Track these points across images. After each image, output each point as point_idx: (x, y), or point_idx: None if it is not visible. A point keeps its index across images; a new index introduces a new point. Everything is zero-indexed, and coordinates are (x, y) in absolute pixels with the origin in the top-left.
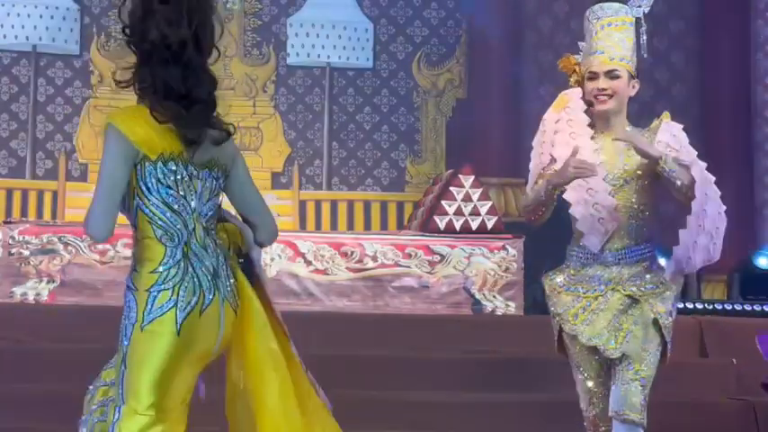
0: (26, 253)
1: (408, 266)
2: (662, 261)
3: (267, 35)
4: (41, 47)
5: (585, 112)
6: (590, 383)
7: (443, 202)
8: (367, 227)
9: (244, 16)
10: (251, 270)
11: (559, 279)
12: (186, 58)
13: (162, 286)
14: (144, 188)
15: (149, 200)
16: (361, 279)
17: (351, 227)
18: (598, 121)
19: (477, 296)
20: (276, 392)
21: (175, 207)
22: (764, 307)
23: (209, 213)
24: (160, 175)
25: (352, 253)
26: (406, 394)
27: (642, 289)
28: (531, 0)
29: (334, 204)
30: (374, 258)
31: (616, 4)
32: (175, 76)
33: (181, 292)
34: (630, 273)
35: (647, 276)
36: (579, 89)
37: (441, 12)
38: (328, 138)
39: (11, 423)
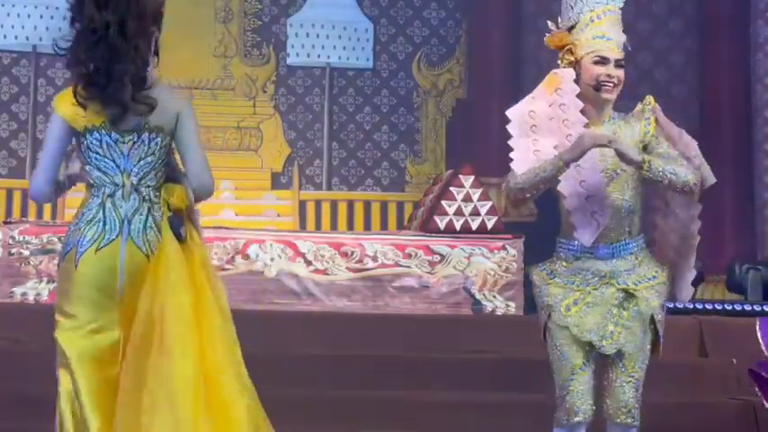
0: (26, 253)
1: (408, 266)
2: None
3: (267, 35)
4: (41, 47)
5: (578, 95)
6: (572, 367)
7: (443, 203)
8: (367, 227)
9: (244, 16)
10: (177, 225)
11: (550, 270)
12: (110, 41)
13: (74, 227)
14: (84, 156)
15: (88, 165)
16: (362, 279)
17: (351, 227)
18: (591, 108)
19: (478, 296)
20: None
21: (104, 168)
22: (764, 307)
23: (143, 171)
24: (90, 144)
25: (353, 253)
26: (405, 394)
27: (636, 283)
28: (531, 0)
29: (334, 204)
30: (374, 258)
31: None
32: (99, 57)
33: (86, 232)
34: (625, 266)
35: (641, 269)
36: (572, 71)
37: (441, 12)
38: (328, 138)
39: (10, 423)
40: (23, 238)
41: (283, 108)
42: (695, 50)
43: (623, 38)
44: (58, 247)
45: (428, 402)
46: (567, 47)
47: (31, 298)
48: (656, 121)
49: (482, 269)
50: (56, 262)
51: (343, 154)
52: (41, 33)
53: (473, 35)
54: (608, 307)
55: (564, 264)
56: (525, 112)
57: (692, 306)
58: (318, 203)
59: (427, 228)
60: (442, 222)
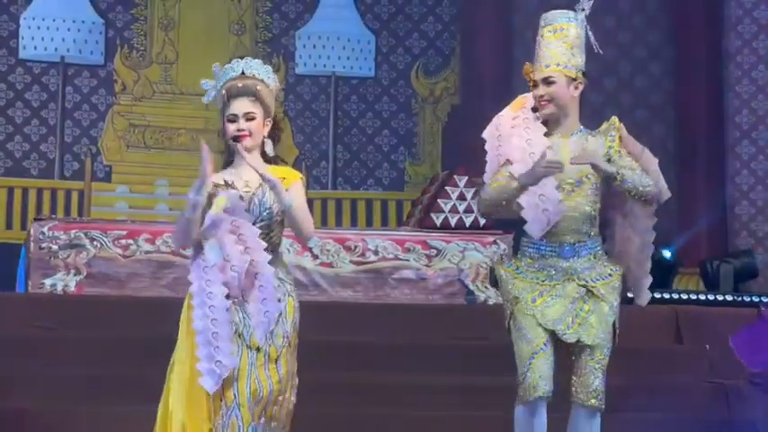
0: (55, 247)
1: (407, 260)
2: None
3: (277, 47)
4: (69, 58)
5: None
6: (534, 347)
7: (440, 201)
8: (369, 223)
9: (255, 29)
10: None
11: (516, 267)
12: None
13: None
14: None
15: None
16: (364, 271)
17: (354, 223)
18: (549, 124)
19: (471, 287)
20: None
21: None
22: (735, 297)
23: None
24: None
25: (356, 247)
26: (404, 378)
27: (595, 280)
28: (520, 15)
29: (338, 203)
30: (375, 252)
31: (557, 12)
32: None
33: None
34: (584, 264)
35: (598, 268)
36: None
37: (437, 25)
38: (333, 141)
39: (42, 404)
40: (52, 233)
41: (292, 114)
42: (671, 60)
43: (559, 51)
44: (85, 242)
45: (425, 385)
46: (530, 75)
47: (59, 289)
48: (620, 138)
49: (475, 262)
50: (83, 256)
51: (347, 156)
52: (69, 45)
53: (467, 47)
54: (570, 300)
55: (529, 260)
56: (494, 128)
57: (668, 296)
58: (324, 201)
59: (424, 224)
60: (438, 219)
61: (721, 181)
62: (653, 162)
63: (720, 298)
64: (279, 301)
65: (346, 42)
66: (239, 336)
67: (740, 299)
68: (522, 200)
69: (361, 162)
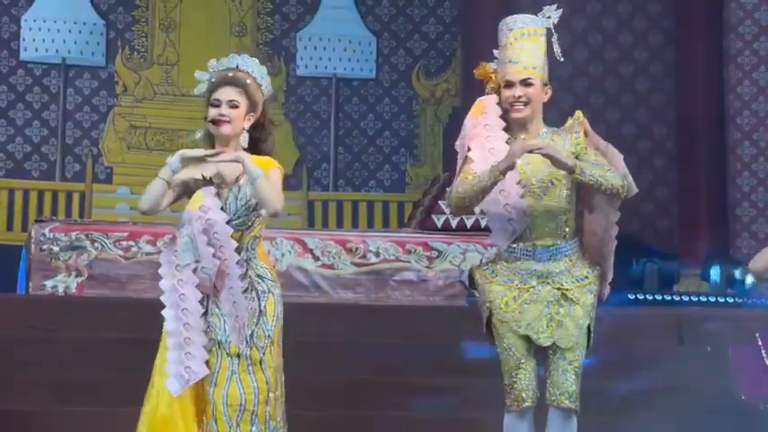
0: (56, 249)
1: (408, 261)
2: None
3: (278, 48)
4: (70, 59)
5: (502, 116)
6: (518, 360)
7: (440, 202)
8: (370, 225)
9: (257, 31)
10: None
11: (492, 270)
12: None
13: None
14: None
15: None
16: (365, 273)
17: (355, 225)
18: (515, 126)
19: (472, 289)
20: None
21: None
22: (736, 299)
23: None
24: None
25: (357, 249)
26: (405, 378)
27: (570, 283)
28: (525, 12)
29: (340, 204)
30: (377, 254)
31: (527, 16)
32: None
33: None
34: (559, 267)
35: (574, 270)
36: (495, 96)
37: (438, 27)
38: (334, 143)
39: (42, 404)
40: (54, 235)
41: (293, 116)
42: (672, 62)
43: (535, 55)
44: (86, 243)
45: (425, 385)
46: (490, 75)
47: (61, 290)
48: (585, 133)
49: (476, 264)
50: (84, 257)
51: (348, 158)
52: (70, 46)
53: (468, 48)
54: (544, 304)
55: (505, 264)
56: (461, 138)
57: (670, 298)
58: (325, 203)
59: (425, 226)
60: (439, 221)
61: (722, 182)
62: (618, 157)
63: (721, 299)
64: (253, 300)
65: (347, 44)
66: (218, 344)
67: (741, 300)
68: (488, 210)
69: (362, 164)
